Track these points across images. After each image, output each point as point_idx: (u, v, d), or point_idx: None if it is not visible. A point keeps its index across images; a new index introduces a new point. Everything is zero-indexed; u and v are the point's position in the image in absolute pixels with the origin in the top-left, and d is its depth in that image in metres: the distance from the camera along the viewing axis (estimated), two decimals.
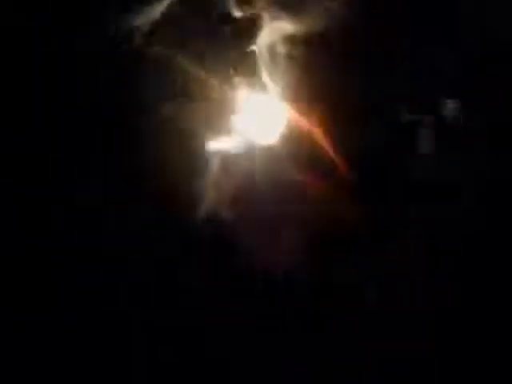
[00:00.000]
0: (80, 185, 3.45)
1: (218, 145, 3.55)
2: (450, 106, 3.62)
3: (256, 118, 3.59)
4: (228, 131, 3.56)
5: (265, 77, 3.58)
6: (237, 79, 3.55)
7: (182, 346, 3.43)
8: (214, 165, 3.52)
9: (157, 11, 3.43)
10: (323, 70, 3.53)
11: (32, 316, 3.42)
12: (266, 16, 3.54)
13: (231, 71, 3.53)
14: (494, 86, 3.57)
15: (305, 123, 3.55)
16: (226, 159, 3.54)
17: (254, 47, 3.56)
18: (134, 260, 3.43)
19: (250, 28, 3.54)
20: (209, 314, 3.44)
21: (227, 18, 3.51)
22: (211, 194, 3.49)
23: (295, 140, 3.55)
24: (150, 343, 3.42)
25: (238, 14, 3.52)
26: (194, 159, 3.49)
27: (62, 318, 3.41)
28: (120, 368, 3.41)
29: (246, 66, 3.56)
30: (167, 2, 3.45)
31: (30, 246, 3.44)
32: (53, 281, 3.45)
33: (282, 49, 3.57)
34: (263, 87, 3.58)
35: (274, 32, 3.56)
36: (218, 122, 3.54)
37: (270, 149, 3.56)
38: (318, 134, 3.54)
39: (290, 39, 3.57)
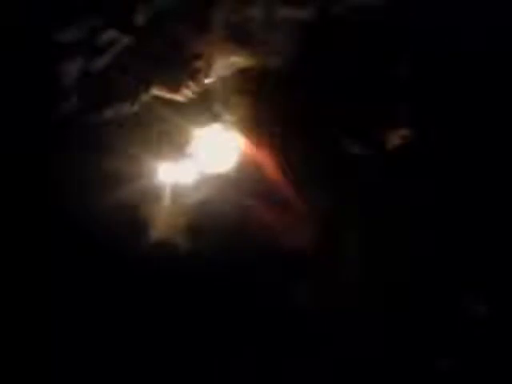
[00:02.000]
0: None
1: (170, 173, 3.61)
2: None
3: (209, 147, 3.66)
4: (181, 160, 3.62)
5: (218, 108, 3.64)
6: (190, 110, 3.62)
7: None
8: (167, 192, 3.58)
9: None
10: (276, 102, 3.59)
11: (32, 316, 3.43)
12: (221, 50, 3.60)
13: (185, 102, 3.61)
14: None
15: (257, 152, 3.61)
16: (179, 187, 3.60)
17: (208, 80, 3.63)
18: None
19: (205, 62, 3.60)
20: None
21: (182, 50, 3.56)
22: (162, 221, 3.54)
23: (247, 168, 3.61)
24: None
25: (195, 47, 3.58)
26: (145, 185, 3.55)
27: (62, 318, 3.43)
28: (119, 367, 3.42)
29: (201, 97, 3.62)
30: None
31: (29, 245, 3.46)
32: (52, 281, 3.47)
33: (235, 82, 3.64)
34: (216, 118, 3.65)
35: (228, 66, 3.65)
36: (171, 150, 3.59)
37: (222, 177, 3.61)
38: (270, 162, 3.60)
39: (244, 73, 3.64)
